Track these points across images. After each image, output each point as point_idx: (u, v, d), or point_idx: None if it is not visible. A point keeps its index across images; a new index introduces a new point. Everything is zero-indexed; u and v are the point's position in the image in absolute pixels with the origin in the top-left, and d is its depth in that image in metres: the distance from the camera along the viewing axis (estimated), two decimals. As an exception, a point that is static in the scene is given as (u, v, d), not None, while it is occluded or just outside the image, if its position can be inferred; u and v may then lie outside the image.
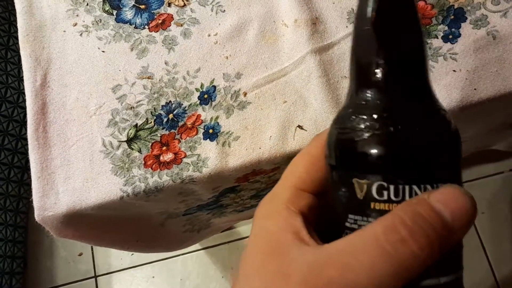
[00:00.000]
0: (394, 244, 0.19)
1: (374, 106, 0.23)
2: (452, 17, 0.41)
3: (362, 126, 0.22)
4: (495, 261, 0.99)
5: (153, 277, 1.07)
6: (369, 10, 0.23)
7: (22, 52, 0.45)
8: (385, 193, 0.21)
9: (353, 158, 0.22)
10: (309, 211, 0.24)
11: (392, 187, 0.21)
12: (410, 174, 0.21)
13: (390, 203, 0.21)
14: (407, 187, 0.21)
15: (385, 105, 0.22)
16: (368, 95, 0.23)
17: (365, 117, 0.22)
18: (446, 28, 0.41)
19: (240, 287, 0.23)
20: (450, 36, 0.41)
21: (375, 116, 0.22)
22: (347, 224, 0.22)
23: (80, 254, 1.10)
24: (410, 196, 0.21)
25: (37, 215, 0.40)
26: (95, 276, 1.09)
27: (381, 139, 0.21)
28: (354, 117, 0.23)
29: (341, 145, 0.23)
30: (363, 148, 0.22)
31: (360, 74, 0.24)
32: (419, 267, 0.19)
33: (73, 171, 0.41)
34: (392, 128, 0.21)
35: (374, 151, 0.21)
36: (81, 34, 0.45)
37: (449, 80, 0.39)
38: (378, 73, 0.23)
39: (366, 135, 0.22)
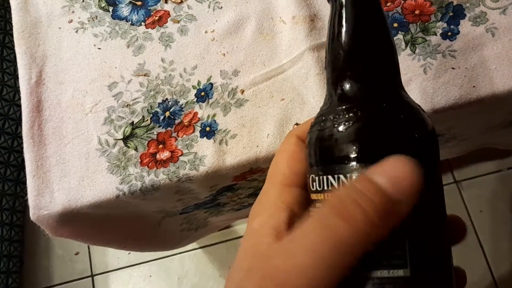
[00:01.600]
0: (329, 219, 0.19)
1: (326, 109, 0.25)
2: (451, 14, 0.41)
3: (318, 128, 0.24)
4: (493, 259, 0.99)
5: (150, 276, 1.07)
6: (342, 23, 0.24)
7: (17, 49, 0.44)
8: (315, 184, 0.23)
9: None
10: (299, 205, 0.24)
11: (316, 179, 0.23)
12: (325, 166, 0.23)
13: (318, 193, 0.23)
14: (324, 178, 0.22)
15: (330, 108, 0.24)
16: (329, 98, 0.25)
17: (316, 119, 0.25)
18: (445, 25, 0.40)
19: None
20: (449, 33, 0.40)
21: (319, 117, 0.25)
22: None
23: (77, 253, 1.09)
24: (329, 186, 0.22)
25: (32, 214, 0.40)
26: (92, 275, 1.08)
27: (316, 137, 0.24)
28: (318, 122, 0.25)
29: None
30: (308, 146, 0.25)
31: (327, 82, 0.26)
32: (359, 240, 0.19)
33: (69, 169, 0.41)
34: (320, 127, 0.24)
35: (310, 147, 0.24)
36: (76, 31, 0.45)
37: (448, 77, 0.39)
38: (336, 81, 0.25)
39: (311, 135, 0.25)
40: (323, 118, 0.24)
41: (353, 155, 0.22)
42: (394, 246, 0.21)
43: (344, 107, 0.23)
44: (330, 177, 0.22)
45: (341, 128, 0.23)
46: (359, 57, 0.24)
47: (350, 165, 0.22)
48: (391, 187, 0.19)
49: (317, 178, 0.23)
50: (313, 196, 0.24)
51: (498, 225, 1.01)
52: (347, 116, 0.23)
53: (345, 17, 0.24)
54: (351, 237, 0.19)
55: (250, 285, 0.20)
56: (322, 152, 0.23)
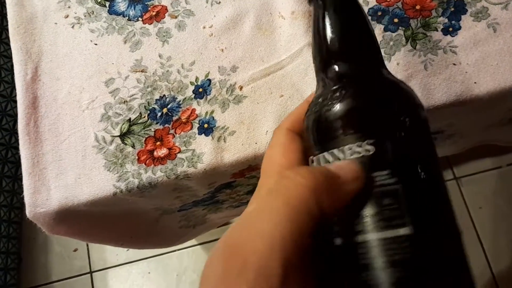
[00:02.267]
0: (285, 184, 0.22)
1: (318, 95, 0.27)
2: (452, 9, 0.40)
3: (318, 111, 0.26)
4: (492, 256, 0.99)
5: (149, 272, 1.07)
6: (325, 17, 0.28)
7: (12, 45, 0.44)
8: (312, 164, 0.25)
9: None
10: None
11: (313, 159, 0.25)
12: (320, 144, 0.25)
13: None
14: (320, 156, 0.25)
15: (320, 93, 0.27)
16: (319, 85, 0.28)
17: (310, 106, 0.27)
18: (446, 20, 0.40)
19: None
20: (450, 29, 0.40)
21: (312, 103, 0.27)
22: None
23: (75, 250, 1.09)
24: (325, 162, 0.24)
25: (29, 212, 0.40)
26: (91, 272, 1.08)
27: (312, 120, 0.26)
28: (315, 105, 0.27)
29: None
30: (305, 130, 0.27)
31: (316, 71, 0.29)
32: (309, 198, 0.21)
33: (65, 166, 0.40)
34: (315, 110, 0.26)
35: (308, 131, 0.26)
36: (73, 27, 0.44)
37: (449, 73, 0.39)
38: (323, 67, 0.28)
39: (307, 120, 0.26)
40: (315, 102, 0.26)
41: (342, 130, 0.24)
42: (393, 208, 0.22)
43: (331, 89, 0.26)
44: (325, 154, 0.24)
45: (328, 107, 0.25)
46: (341, 44, 0.27)
47: (342, 139, 0.24)
48: (336, 169, 0.23)
49: (314, 158, 0.25)
50: None
51: (497, 221, 1.01)
52: (333, 96, 0.25)
53: (326, 13, 0.28)
54: (302, 195, 0.21)
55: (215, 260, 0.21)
56: (318, 132, 0.25)
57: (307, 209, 0.21)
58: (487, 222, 1.01)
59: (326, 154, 0.24)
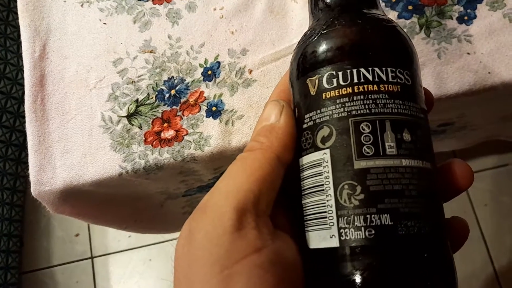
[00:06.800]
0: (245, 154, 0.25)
1: (318, 24, 0.26)
2: (468, -3, 0.39)
3: (310, 37, 0.25)
4: (495, 253, 0.99)
5: (150, 260, 1.07)
6: None
7: (21, 22, 0.43)
8: (334, 80, 0.23)
9: (305, 63, 0.25)
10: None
11: (340, 74, 0.23)
12: (357, 58, 0.23)
13: (339, 88, 0.23)
14: (354, 71, 0.23)
15: (327, 19, 0.26)
16: (315, 22, 0.27)
17: (310, 31, 0.26)
18: (462, 9, 0.39)
19: None
20: (465, 18, 0.39)
21: (318, 27, 0.26)
22: (305, 126, 0.24)
23: (77, 235, 1.09)
24: (358, 79, 0.23)
25: (34, 190, 0.39)
26: (92, 257, 1.08)
27: (327, 36, 0.25)
28: (304, 37, 0.27)
29: (297, 60, 0.26)
30: (313, 48, 0.25)
31: (311, 10, 0.28)
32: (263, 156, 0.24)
33: (71, 145, 0.40)
34: (333, 27, 0.25)
35: (321, 47, 0.25)
36: (82, 5, 0.43)
37: (463, 62, 0.38)
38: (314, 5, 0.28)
39: (314, 38, 0.25)
40: (302, 40, 0.27)
41: (323, 58, 0.24)
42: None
43: (316, 25, 0.26)
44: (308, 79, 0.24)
45: (311, 40, 0.25)
46: None
47: (322, 67, 0.24)
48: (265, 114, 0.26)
49: (324, 77, 0.24)
50: (325, 95, 0.25)
51: (502, 219, 1.00)
52: (318, 30, 0.25)
53: None
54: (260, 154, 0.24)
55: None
56: (302, 64, 0.25)
57: (261, 163, 0.23)
58: (491, 220, 1.00)
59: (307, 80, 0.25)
